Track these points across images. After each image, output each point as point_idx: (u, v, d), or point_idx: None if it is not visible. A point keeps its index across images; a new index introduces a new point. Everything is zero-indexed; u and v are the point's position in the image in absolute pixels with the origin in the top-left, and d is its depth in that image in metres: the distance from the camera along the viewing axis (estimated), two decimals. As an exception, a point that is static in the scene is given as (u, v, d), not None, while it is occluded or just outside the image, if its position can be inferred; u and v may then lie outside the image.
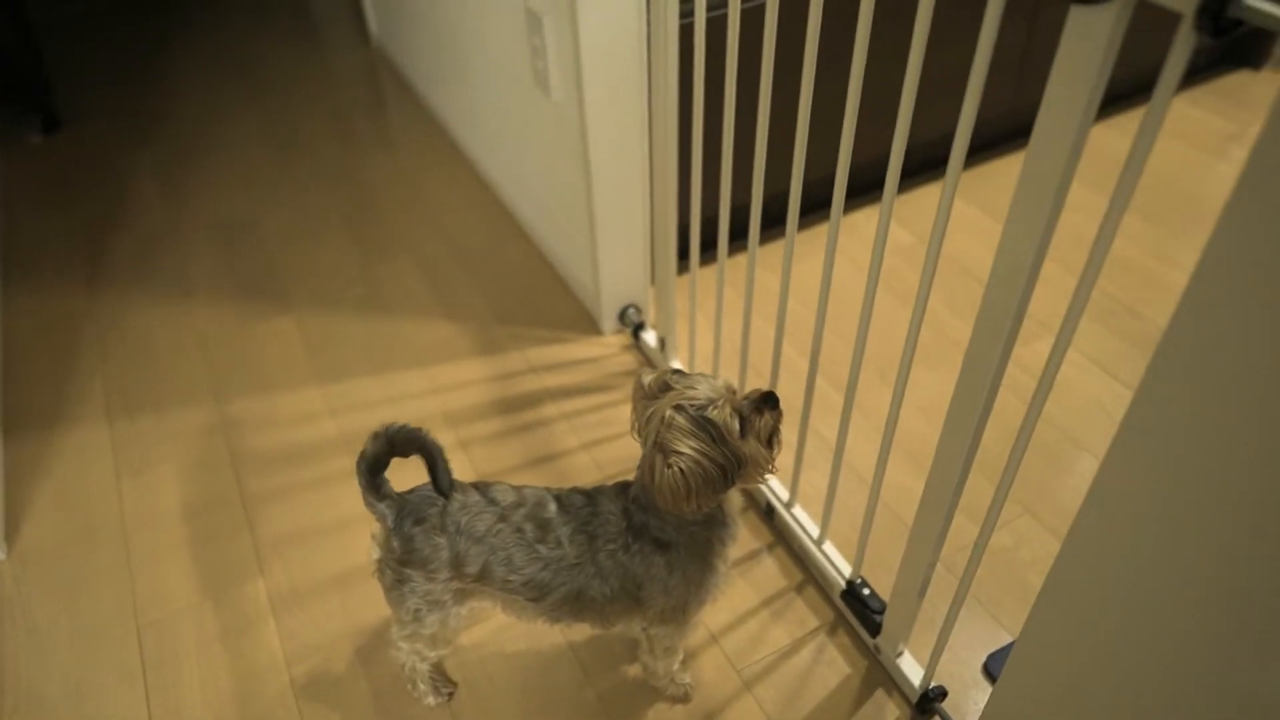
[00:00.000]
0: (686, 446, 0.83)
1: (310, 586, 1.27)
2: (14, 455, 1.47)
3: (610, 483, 0.98)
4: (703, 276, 1.66)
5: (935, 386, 1.47)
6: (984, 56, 0.68)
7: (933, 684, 1.08)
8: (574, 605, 0.95)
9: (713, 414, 0.84)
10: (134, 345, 1.67)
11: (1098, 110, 0.60)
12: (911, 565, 1.00)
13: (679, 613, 0.97)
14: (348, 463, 1.43)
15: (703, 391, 0.86)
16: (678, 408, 0.84)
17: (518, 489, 0.96)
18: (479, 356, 1.61)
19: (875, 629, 1.13)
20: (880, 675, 1.14)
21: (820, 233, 1.77)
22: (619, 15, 1.22)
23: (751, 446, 0.88)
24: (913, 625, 1.08)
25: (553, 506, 0.94)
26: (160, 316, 1.74)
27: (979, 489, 1.34)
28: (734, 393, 0.89)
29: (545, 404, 1.51)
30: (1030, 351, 1.56)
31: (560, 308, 1.70)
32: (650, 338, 1.56)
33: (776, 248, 1.74)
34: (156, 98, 2.44)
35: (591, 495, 0.96)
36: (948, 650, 1.15)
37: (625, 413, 1.48)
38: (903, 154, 0.81)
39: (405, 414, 1.50)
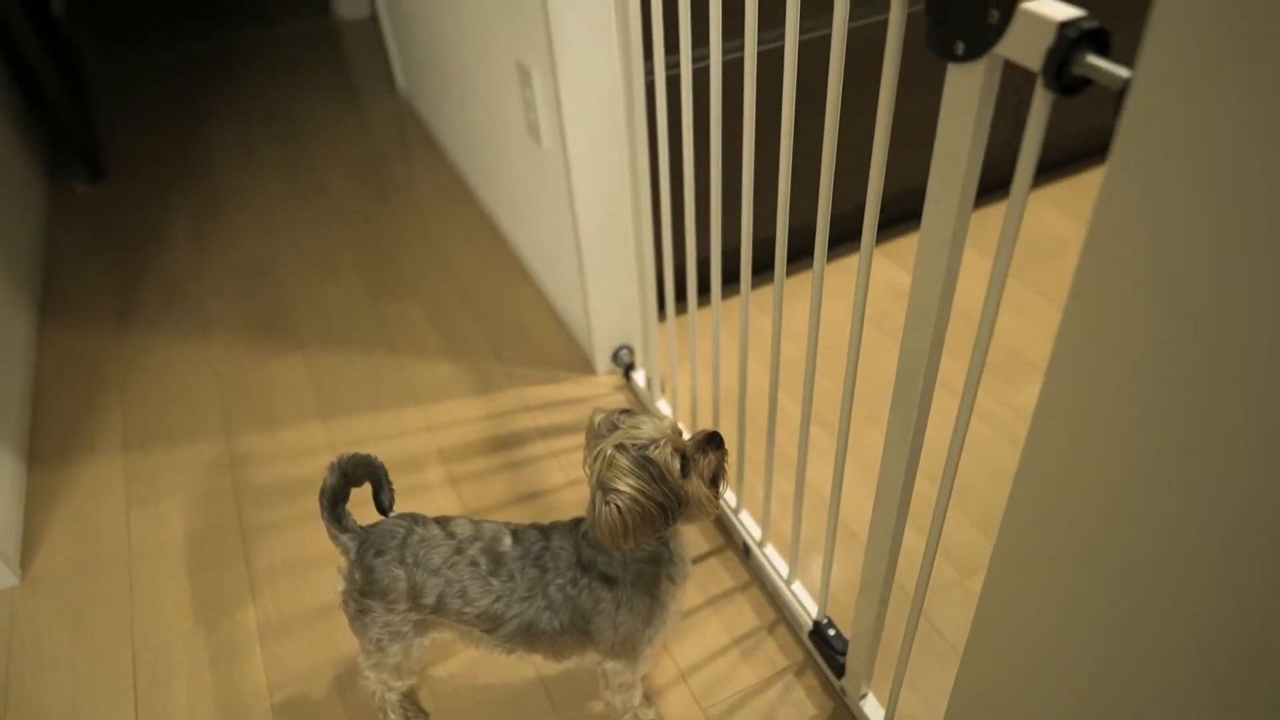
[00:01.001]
0: (625, 485, 0.86)
1: (297, 615, 1.31)
2: (35, 484, 1.56)
3: (566, 519, 1.01)
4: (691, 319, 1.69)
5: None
6: (885, 121, 0.71)
7: (895, 727, 1.08)
8: (526, 637, 0.98)
9: (654, 453, 0.87)
10: (155, 381, 1.76)
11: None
12: (866, 606, 1.01)
13: (628, 648, 0.99)
14: (342, 496, 1.48)
15: (646, 431, 0.89)
16: (619, 447, 0.87)
17: (476, 523, 1.00)
18: (476, 395, 1.66)
19: (840, 670, 1.13)
20: (846, 717, 1.14)
21: (803, 278, 1.79)
22: (594, 71, 1.28)
23: (694, 485, 0.90)
24: (874, 666, 1.08)
25: (508, 540, 0.97)
26: (181, 354, 1.83)
27: (960, 530, 1.34)
28: (679, 433, 0.92)
29: (535, 442, 1.55)
30: (1024, 395, 1.55)
31: (558, 348, 1.75)
32: (640, 378, 1.59)
33: (763, 293, 1.77)
34: (194, 147, 2.58)
35: (546, 530, 0.99)
36: (919, 697, 1.14)
37: (612, 451, 1.52)
38: (827, 225, 0.84)
39: (401, 450, 1.55)
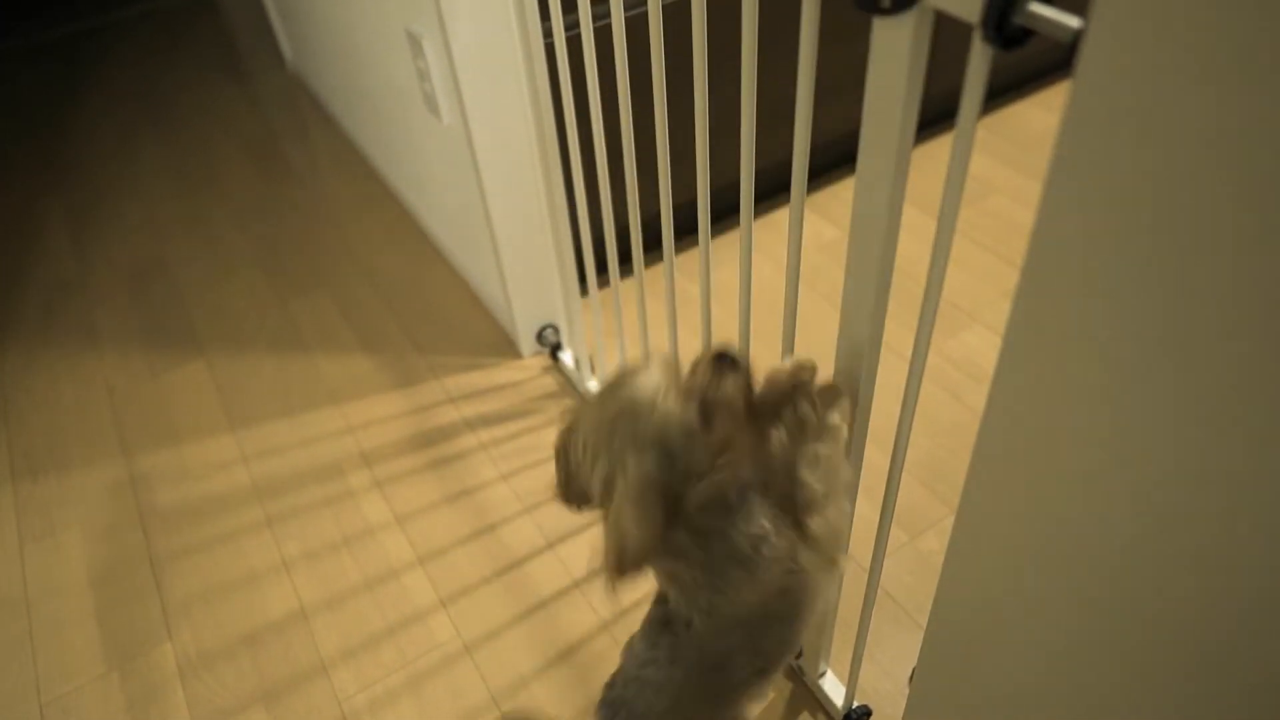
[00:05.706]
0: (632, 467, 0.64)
1: (219, 647, 1.22)
2: (-86, 530, 1.42)
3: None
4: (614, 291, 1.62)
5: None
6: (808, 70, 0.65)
7: (856, 703, 1.05)
8: None
9: (658, 415, 0.64)
10: (41, 403, 1.62)
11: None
12: (819, 586, 0.97)
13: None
14: (259, 513, 1.38)
15: (642, 386, 0.65)
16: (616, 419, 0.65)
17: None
18: (396, 390, 1.57)
19: (798, 651, 1.10)
20: (806, 697, 1.11)
21: (727, 239, 1.73)
22: (490, 36, 1.18)
23: (722, 427, 0.66)
24: (831, 643, 1.05)
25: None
26: (68, 370, 1.68)
27: (904, 487, 1.31)
28: (675, 370, 0.68)
29: (463, 435, 1.47)
30: (958, 343, 1.53)
31: (480, 332, 1.66)
32: (567, 358, 1.52)
33: (688, 258, 1.70)
34: (70, 145, 2.38)
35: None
36: (877, 667, 1.12)
37: (544, 438, 1.45)
38: (751, 181, 0.77)
39: (319, 455, 1.45)
